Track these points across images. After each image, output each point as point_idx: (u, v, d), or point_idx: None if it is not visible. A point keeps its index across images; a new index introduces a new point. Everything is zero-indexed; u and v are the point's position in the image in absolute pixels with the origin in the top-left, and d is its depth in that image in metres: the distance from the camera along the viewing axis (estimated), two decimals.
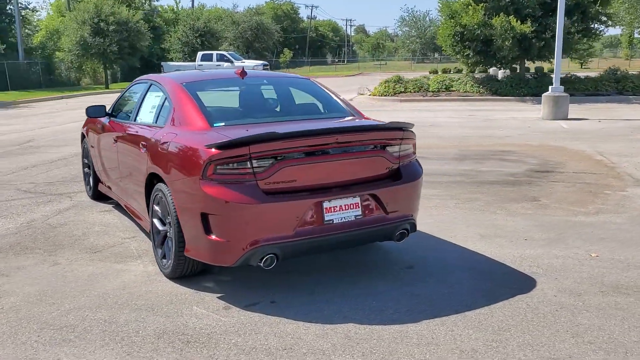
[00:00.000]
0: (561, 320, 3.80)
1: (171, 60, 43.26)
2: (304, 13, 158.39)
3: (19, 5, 39.71)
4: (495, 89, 21.44)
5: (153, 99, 5.32)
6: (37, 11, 59.54)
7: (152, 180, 4.76)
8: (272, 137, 3.92)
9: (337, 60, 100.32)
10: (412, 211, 4.52)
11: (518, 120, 15.06)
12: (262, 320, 3.88)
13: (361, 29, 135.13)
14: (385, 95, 22.45)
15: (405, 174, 4.46)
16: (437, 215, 6.32)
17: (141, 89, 5.75)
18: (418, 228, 5.77)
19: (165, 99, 4.98)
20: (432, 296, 4.20)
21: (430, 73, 41.51)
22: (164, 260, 4.63)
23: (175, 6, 60.50)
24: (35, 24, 55.17)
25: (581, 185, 7.57)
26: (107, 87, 35.93)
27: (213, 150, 3.90)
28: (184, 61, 41.17)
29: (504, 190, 7.36)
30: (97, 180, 6.92)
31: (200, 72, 6.00)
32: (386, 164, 4.39)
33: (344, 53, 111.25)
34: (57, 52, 39.51)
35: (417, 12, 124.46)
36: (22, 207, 6.98)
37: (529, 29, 19.33)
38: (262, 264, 3.99)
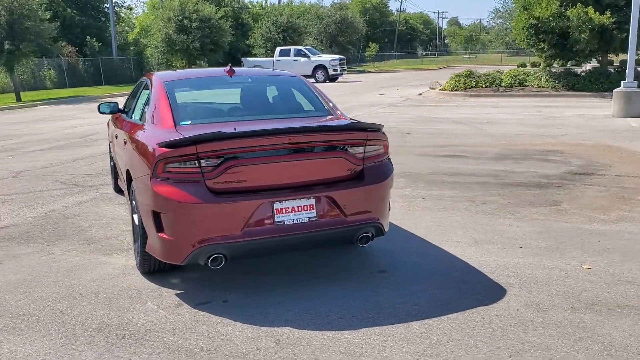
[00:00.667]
0: (509, 336, 3.55)
1: (254, 55, 44.21)
2: (393, 6, 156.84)
3: (114, 3, 41.99)
4: (572, 84, 20.26)
5: (144, 97, 5.45)
6: (131, 9, 62.67)
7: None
8: (219, 137, 3.91)
9: (425, 53, 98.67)
10: (377, 214, 4.35)
11: (584, 118, 14.17)
12: (204, 319, 3.89)
13: (454, 22, 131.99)
14: (455, 90, 21.82)
15: (369, 175, 4.31)
16: (440, 217, 6.08)
17: (140, 86, 5.91)
18: (414, 231, 5.65)
19: (150, 97, 5.09)
20: (386, 303, 4.05)
21: (517, 66, 39.86)
22: (137, 255, 4.75)
23: (263, 2, 61.86)
24: (133, 21, 58.24)
25: (616, 190, 7.03)
26: None
27: (162, 149, 3.95)
28: (266, 57, 41.95)
29: (527, 193, 6.96)
30: (117, 173, 7.18)
31: (188, 70, 6.10)
32: (348, 165, 4.26)
33: (435, 46, 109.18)
34: (147, 49, 41.38)
35: (511, 3, 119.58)
36: (50, 197, 7.39)
37: (609, 20, 18.09)
38: (209, 264, 4.00)
